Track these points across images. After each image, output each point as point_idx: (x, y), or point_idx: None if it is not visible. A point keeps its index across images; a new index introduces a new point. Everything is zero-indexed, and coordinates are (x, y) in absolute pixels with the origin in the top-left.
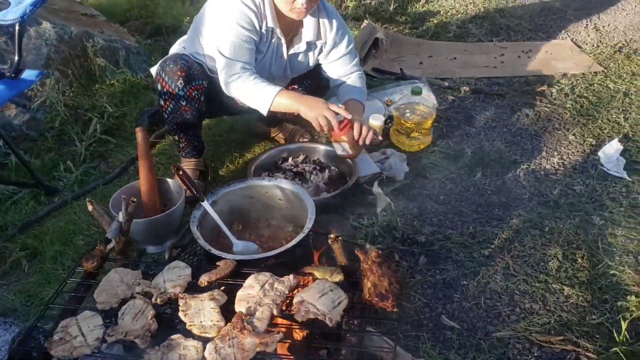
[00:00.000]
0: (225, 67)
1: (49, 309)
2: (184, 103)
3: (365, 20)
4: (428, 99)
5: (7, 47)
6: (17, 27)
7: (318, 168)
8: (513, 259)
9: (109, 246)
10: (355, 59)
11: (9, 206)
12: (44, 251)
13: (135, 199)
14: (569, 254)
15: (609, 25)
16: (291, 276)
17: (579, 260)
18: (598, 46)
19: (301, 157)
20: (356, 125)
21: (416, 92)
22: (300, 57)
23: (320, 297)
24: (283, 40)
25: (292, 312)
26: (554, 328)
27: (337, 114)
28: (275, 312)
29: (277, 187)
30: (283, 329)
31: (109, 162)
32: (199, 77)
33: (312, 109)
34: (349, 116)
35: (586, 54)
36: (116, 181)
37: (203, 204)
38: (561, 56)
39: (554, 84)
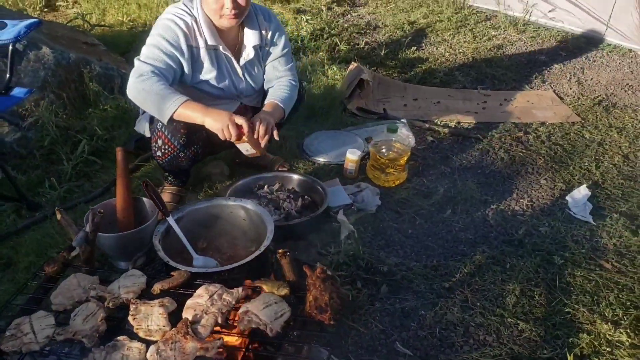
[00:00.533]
0: (136, 68)
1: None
2: (182, 155)
3: (353, 63)
4: (404, 137)
5: (5, 68)
6: (10, 47)
7: (292, 196)
8: (472, 293)
9: (73, 253)
10: (290, 64)
11: None
12: (18, 261)
13: (102, 210)
14: (527, 290)
15: (591, 79)
16: (240, 288)
17: (536, 297)
18: (579, 98)
19: (277, 186)
20: (256, 125)
21: (391, 130)
22: (253, 65)
23: (264, 308)
24: (229, 54)
25: (236, 320)
26: None
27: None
28: (219, 320)
29: (241, 207)
30: (225, 337)
31: (93, 182)
32: (200, 130)
33: (217, 122)
34: (246, 129)
35: (566, 105)
36: (98, 200)
37: (168, 219)
38: (542, 106)
39: (532, 131)
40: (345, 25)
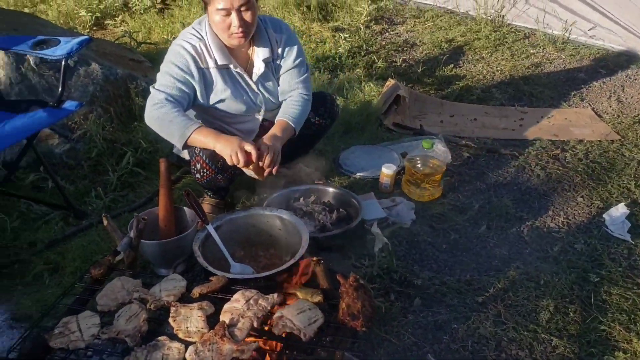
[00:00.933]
0: (151, 96)
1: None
2: (220, 177)
3: (390, 79)
4: (439, 153)
5: (57, 82)
6: (63, 62)
7: (327, 209)
8: (505, 308)
9: (118, 258)
10: (303, 76)
11: (41, 225)
12: (65, 266)
13: (146, 217)
14: (561, 307)
15: (632, 97)
16: (275, 294)
17: (571, 314)
18: (618, 116)
19: (312, 198)
20: (263, 154)
21: (427, 145)
22: (267, 79)
23: (298, 314)
24: (242, 71)
25: (271, 325)
26: None
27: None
28: (255, 325)
29: (277, 217)
30: (260, 340)
31: (137, 192)
32: None
33: (226, 147)
34: (255, 157)
35: (605, 123)
36: (141, 209)
37: (207, 227)
38: (580, 123)
39: (569, 149)
40: (383, 42)
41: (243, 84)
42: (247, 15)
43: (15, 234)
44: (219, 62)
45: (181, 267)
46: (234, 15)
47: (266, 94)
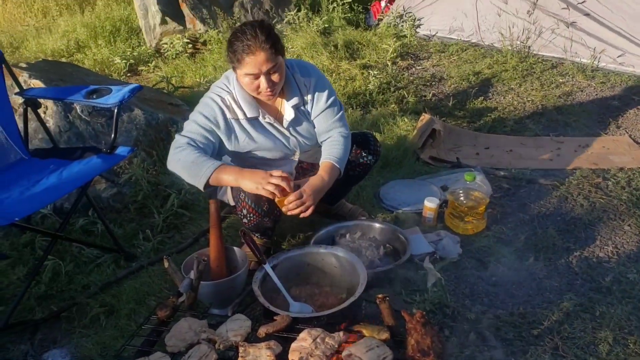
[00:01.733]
0: (174, 141)
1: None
2: (266, 219)
3: (424, 114)
4: (481, 185)
5: (103, 129)
6: (115, 110)
7: (374, 245)
8: (562, 340)
9: (180, 299)
10: (338, 114)
11: (93, 268)
12: (120, 309)
13: (205, 258)
14: (620, 338)
15: None
16: (341, 332)
17: (631, 345)
18: None
19: (358, 234)
20: (298, 193)
21: (469, 177)
22: (298, 123)
23: (367, 351)
24: (270, 119)
25: None
26: None
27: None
28: None
29: (332, 254)
30: None
31: (182, 233)
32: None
33: (253, 183)
34: (287, 188)
35: None
36: (188, 250)
37: (265, 266)
38: (618, 151)
39: (610, 177)
40: (411, 78)
41: (275, 131)
42: (275, 77)
43: (70, 278)
44: (248, 115)
45: (236, 307)
46: (262, 78)
47: (299, 138)
